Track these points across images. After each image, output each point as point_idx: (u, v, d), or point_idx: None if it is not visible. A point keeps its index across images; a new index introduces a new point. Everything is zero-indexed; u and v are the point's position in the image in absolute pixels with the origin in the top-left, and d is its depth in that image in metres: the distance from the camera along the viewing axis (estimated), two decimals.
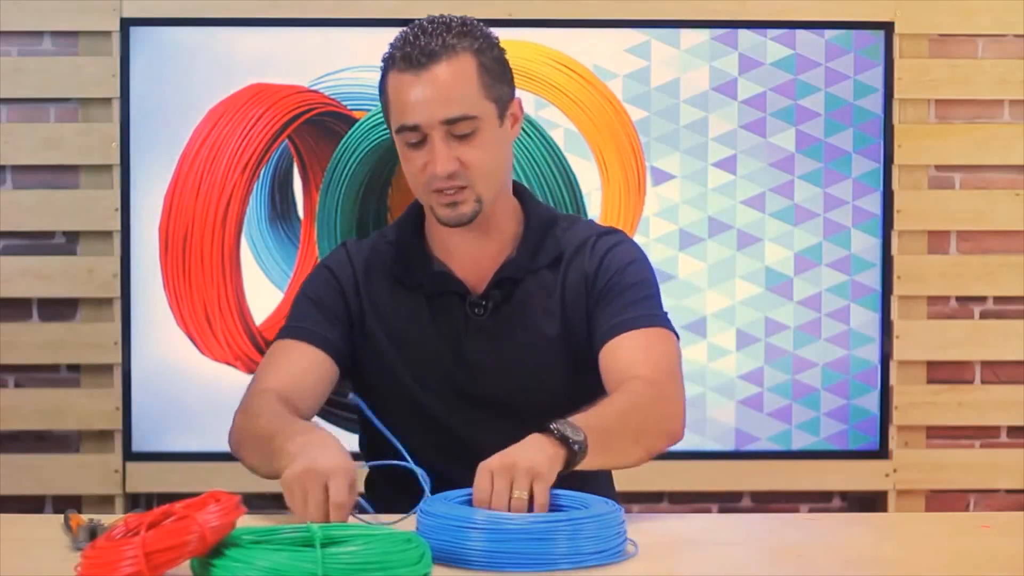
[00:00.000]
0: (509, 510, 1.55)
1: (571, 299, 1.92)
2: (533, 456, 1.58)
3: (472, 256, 1.92)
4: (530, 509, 1.56)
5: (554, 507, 1.58)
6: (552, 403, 1.82)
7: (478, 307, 1.92)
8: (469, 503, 1.58)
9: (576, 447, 1.63)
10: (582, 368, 1.90)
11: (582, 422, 1.66)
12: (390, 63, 1.84)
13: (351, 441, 3.25)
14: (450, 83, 1.80)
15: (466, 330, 1.92)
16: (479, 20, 1.89)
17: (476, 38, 1.84)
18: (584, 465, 1.65)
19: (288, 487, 1.63)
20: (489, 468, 1.58)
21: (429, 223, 1.95)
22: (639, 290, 1.91)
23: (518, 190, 2.00)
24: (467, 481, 1.61)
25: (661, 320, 1.91)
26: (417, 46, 1.80)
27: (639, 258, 1.96)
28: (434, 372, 1.92)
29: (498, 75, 1.86)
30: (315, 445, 1.65)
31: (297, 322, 1.95)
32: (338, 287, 1.96)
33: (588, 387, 1.88)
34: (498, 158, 1.87)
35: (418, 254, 1.94)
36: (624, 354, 1.86)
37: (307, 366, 1.92)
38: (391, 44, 1.86)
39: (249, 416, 1.84)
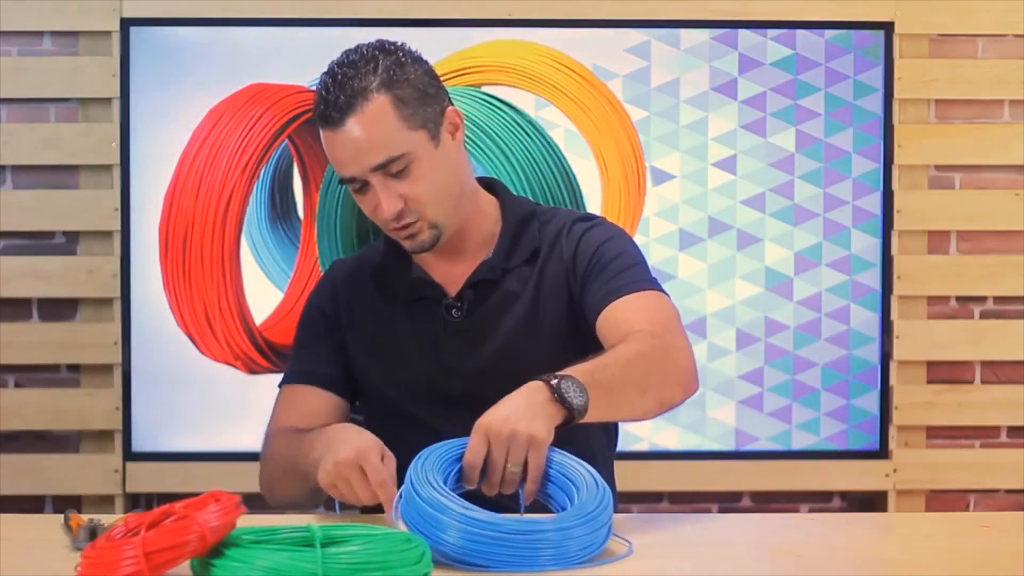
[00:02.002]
0: (503, 480, 1.55)
1: (548, 290, 1.92)
2: (531, 423, 1.56)
3: (450, 262, 1.95)
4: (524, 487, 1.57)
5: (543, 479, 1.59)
6: None
7: (454, 309, 1.93)
8: (460, 459, 1.58)
9: (576, 412, 1.61)
10: (560, 358, 1.90)
11: (585, 376, 1.64)
12: (316, 115, 1.85)
13: None
14: (367, 132, 1.80)
15: (444, 333, 1.93)
16: (397, 44, 1.86)
17: (386, 70, 1.81)
18: (588, 418, 1.63)
19: (331, 486, 1.65)
20: (486, 431, 1.57)
21: None
22: (623, 261, 1.91)
23: (494, 187, 2.01)
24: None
25: (651, 284, 1.90)
26: (329, 101, 1.80)
27: (617, 235, 1.96)
28: (415, 378, 1.94)
29: (418, 101, 1.83)
30: (334, 439, 1.69)
31: (298, 367, 2.00)
32: (322, 319, 2.00)
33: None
34: (444, 180, 1.86)
35: (401, 263, 1.97)
36: (621, 315, 1.84)
37: (316, 408, 1.95)
38: (316, 94, 1.85)
39: (269, 459, 1.91)
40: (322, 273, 3.16)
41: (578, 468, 1.60)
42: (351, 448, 1.63)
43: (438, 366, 1.92)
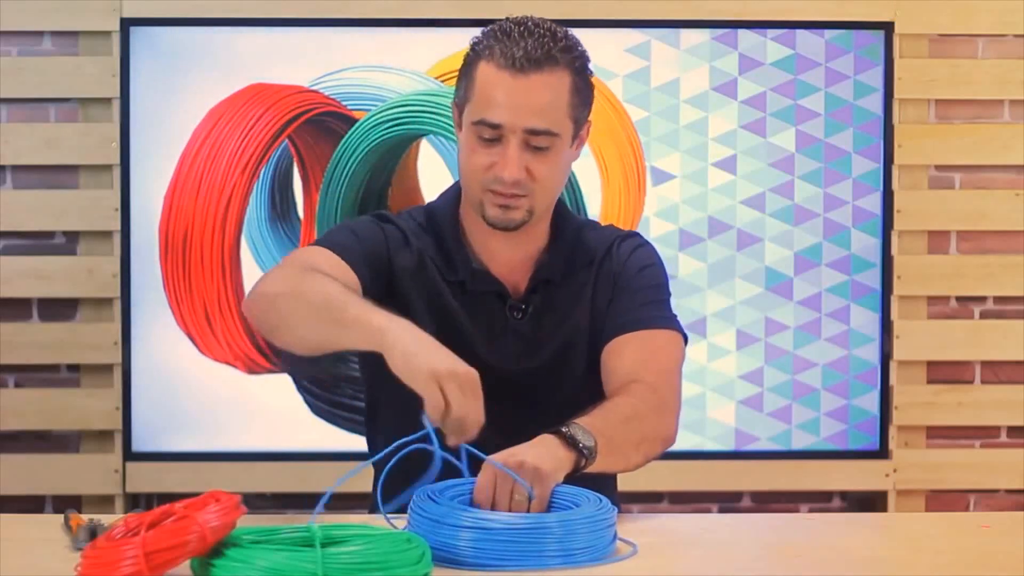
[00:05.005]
0: (510, 510, 1.56)
1: (599, 300, 1.93)
2: (538, 457, 1.59)
3: (507, 257, 1.92)
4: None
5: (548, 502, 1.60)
6: (571, 397, 1.83)
7: (517, 311, 1.92)
8: (471, 495, 1.59)
9: (586, 452, 1.64)
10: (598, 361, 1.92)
11: (591, 425, 1.67)
12: (485, 54, 1.82)
13: (351, 441, 3.24)
14: (545, 95, 1.80)
15: (503, 331, 1.91)
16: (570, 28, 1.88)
17: (577, 56, 1.84)
18: (591, 468, 1.66)
19: (431, 387, 1.57)
20: (493, 468, 1.58)
21: (466, 218, 1.93)
22: (652, 293, 1.93)
23: None
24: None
25: (669, 322, 1.92)
26: (522, 47, 1.79)
27: (657, 263, 1.98)
28: (467, 356, 1.90)
29: (584, 97, 1.86)
30: (426, 341, 1.60)
31: (336, 241, 1.87)
32: (382, 236, 1.91)
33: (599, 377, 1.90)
34: (560, 177, 1.88)
35: (457, 246, 1.92)
36: (628, 356, 1.86)
37: (344, 277, 1.82)
38: (489, 33, 1.84)
39: (298, 291, 1.72)
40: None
41: (583, 492, 1.62)
42: (457, 365, 1.57)
43: (491, 356, 1.89)
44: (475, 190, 1.86)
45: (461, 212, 1.94)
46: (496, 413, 1.84)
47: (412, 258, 1.91)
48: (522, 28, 1.81)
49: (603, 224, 2.05)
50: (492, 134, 1.81)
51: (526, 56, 1.79)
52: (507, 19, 1.84)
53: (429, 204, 2.00)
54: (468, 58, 1.86)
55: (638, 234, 2.02)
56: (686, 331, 1.95)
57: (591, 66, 1.88)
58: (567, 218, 1.97)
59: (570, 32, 1.86)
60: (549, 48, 1.80)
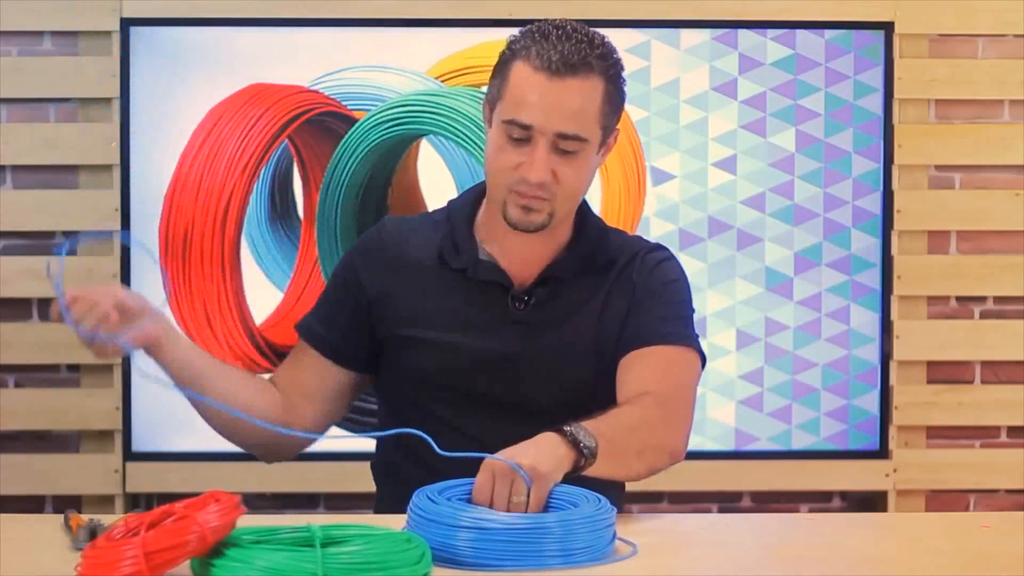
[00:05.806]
0: (508, 510, 1.56)
1: (613, 306, 1.92)
2: (536, 457, 1.59)
3: (521, 254, 1.92)
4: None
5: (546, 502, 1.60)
6: (574, 402, 1.83)
7: (519, 301, 1.91)
8: (469, 494, 1.59)
9: (586, 452, 1.64)
10: (610, 373, 1.91)
11: (594, 428, 1.67)
12: (522, 54, 1.82)
13: (351, 441, 3.25)
14: (578, 100, 1.81)
15: (503, 322, 1.91)
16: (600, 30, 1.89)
17: (612, 64, 1.85)
18: (588, 471, 1.66)
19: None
20: (492, 468, 1.58)
21: (486, 214, 1.94)
22: (675, 308, 1.95)
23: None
24: (474, 442, 1.64)
25: (689, 340, 1.93)
26: (559, 51, 1.80)
27: (682, 278, 2.00)
28: (458, 339, 1.91)
29: (616, 106, 1.87)
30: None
31: (314, 318, 2.00)
32: (354, 277, 1.97)
33: (611, 390, 1.89)
34: (584, 183, 1.88)
35: (466, 238, 1.93)
36: (643, 368, 1.87)
37: (313, 372, 1.97)
38: (527, 34, 1.84)
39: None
40: (322, 273, 3.19)
41: (582, 492, 1.62)
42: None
43: (489, 348, 1.89)
44: (499, 189, 1.86)
45: (480, 209, 1.95)
46: (495, 393, 1.85)
47: (399, 259, 1.94)
48: (560, 31, 1.82)
49: (632, 235, 2.05)
50: (522, 134, 1.82)
51: (562, 60, 1.80)
52: (546, 20, 1.85)
53: (452, 200, 2.02)
54: (504, 56, 1.87)
55: (665, 247, 2.02)
56: (704, 352, 1.95)
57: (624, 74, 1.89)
58: (591, 221, 1.97)
59: (607, 39, 1.86)
60: (586, 54, 1.81)
